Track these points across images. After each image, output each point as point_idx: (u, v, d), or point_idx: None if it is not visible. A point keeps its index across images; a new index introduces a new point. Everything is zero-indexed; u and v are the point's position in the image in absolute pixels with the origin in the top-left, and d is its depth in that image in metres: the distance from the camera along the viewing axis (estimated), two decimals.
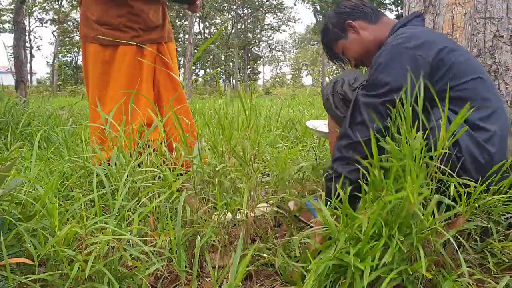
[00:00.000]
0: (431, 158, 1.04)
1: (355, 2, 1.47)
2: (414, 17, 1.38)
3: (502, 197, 1.05)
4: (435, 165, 1.03)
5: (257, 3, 32.74)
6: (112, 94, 1.74)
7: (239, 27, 34.35)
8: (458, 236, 1.05)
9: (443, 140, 1.02)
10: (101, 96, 1.75)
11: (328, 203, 1.12)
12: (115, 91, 1.74)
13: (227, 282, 0.97)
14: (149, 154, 1.42)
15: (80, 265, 0.87)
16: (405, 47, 1.17)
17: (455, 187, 1.00)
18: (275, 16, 35.55)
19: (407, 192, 0.89)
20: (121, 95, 1.68)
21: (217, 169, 1.23)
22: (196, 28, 29.55)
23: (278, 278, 1.13)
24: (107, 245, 0.96)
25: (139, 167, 1.38)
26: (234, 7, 32.56)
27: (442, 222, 0.99)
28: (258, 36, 38.45)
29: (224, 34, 34.93)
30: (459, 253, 0.93)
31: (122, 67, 1.76)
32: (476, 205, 1.03)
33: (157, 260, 1.02)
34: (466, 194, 1.01)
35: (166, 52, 1.86)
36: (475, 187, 1.03)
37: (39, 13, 31.03)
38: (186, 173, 1.41)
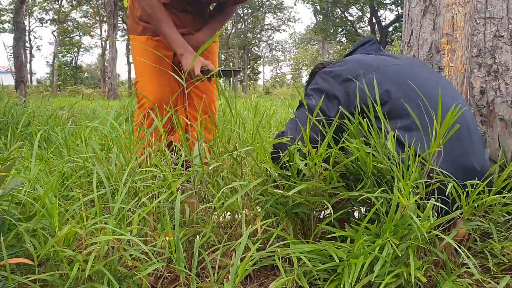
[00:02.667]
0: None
1: (323, 63, 1.67)
2: (360, 45, 1.52)
3: (500, 196, 1.05)
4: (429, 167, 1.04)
5: (257, 3, 32.74)
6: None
7: (239, 27, 34.33)
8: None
9: (436, 142, 1.02)
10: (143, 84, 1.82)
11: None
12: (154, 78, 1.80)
13: (227, 282, 0.97)
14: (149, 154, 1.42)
15: (80, 265, 0.87)
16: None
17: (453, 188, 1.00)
18: (275, 16, 35.57)
19: (398, 194, 0.90)
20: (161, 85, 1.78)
21: (210, 168, 1.23)
22: None
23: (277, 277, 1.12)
24: (107, 245, 0.96)
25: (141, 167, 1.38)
26: None
27: (441, 224, 1.00)
28: (258, 36, 38.45)
29: (224, 34, 34.92)
30: (464, 254, 0.93)
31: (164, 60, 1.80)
32: (475, 205, 1.03)
33: (157, 260, 1.02)
34: (464, 195, 1.01)
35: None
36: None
37: (39, 13, 31.04)
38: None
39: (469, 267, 0.91)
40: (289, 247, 1.04)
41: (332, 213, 1.05)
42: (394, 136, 1.11)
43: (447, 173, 1.06)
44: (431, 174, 1.06)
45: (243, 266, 0.95)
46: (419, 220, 0.93)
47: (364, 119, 1.15)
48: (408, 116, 1.13)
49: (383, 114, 1.16)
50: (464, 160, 1.12)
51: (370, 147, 1.10)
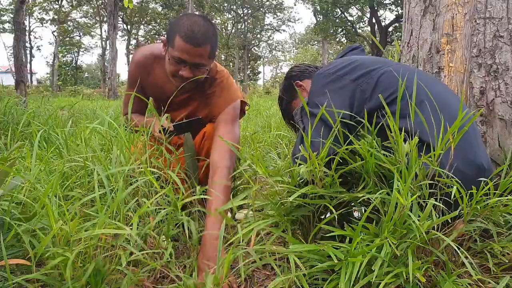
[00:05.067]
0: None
1: (300, 66, 1.65)
2: (348, 51, 1.51)
3: (502, 198, 1.05)
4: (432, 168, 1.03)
5: (257, 3, 32.74)
6: None
7: (239, 27, 34.33)
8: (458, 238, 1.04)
9: (442, 144, 1.02)
10: None
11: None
12: None
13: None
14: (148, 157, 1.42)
15: (75, 266, 0.87)
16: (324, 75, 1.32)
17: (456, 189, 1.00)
18: (275, 16, 35.57)
19: (397, 194, 0.90)
20: None
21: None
22: None
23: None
24: (107, 245, 0.95)
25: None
26: (234, 7, 32.55)
27: (441, 224, 0.99)
28: (258, 36, 38.45)
29: (224, 34, 34.90)
30: (461, 254, 0.93)
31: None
32: (478, 207, 1.03)
33: (157, 261, 1.02)
34: (466, 196, 1.01)
35: None
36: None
37: (39, 13, 31.03)
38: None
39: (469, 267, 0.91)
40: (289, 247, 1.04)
41: (334, 215, 1.05)
42: (407, 135, 1.11)
43: (459, 171, 1.07)
44: (436, 178, 1.05)
45: (226, 265, 0.94)
46: (419, 220, 0.93)
47: (380, 118, 1.15)
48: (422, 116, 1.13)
49: (400, 110, 1.16)
50: (474, 159, 1.14)
51: (384, 146, 1.09)
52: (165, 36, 1.54)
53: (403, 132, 1.07)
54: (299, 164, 1.15)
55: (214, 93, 1.62)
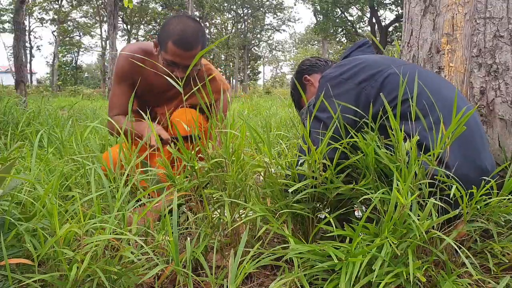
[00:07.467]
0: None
1: (311, 60, 1.65)
2: (356, 47, 1.51)
3: (504, 198, 1.05)
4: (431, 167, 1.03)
5: (257, 3, 32.74)
6: None
7: (239, 27, 34.33)
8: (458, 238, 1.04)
9: (441, 143, 1.02)
10: None
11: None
12: None
13: (227, 281, 0.97)
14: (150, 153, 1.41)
15: (78, 266, 0.87)
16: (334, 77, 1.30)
17: (456, 188, 1.00)
18: (275, 16, 35.58)
19: (397, 193, 0.90)
20: None
21: (196, 168, 1.22)
22: None
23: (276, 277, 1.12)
24: (107, 243, 0.95)
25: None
26: (234, 7, 32.55)
27: (442, 224, 0.99)
28: (258, 36, 38.44)
29: (224, 34, 34.90)
30: (461, 254, 0.93)
31: None
32: (478, 206, 1.03)
33: (157, 259, 1.02)
34: (466, 196, 1.01)
35: None
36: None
37: (39, 13, 31.03)
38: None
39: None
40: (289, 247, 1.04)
41: (334, 214, 1.05)
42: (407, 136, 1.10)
43: (462, 173, 1.07)
44: (437, 177, 1.05)
45: (244, 269, 0.94)
46: (419, 219, 0.93)
47: (383, 121, 1.14)
48: (427, 117, 1.13)
49: (404, 114, 1.16)
50: (478, 161, 1.13)
51: (387, 147, 1.09)
52: (157, 39, 1.58)
53: (403, 131, 1.07)
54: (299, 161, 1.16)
55: (203, 79, 1.67)
